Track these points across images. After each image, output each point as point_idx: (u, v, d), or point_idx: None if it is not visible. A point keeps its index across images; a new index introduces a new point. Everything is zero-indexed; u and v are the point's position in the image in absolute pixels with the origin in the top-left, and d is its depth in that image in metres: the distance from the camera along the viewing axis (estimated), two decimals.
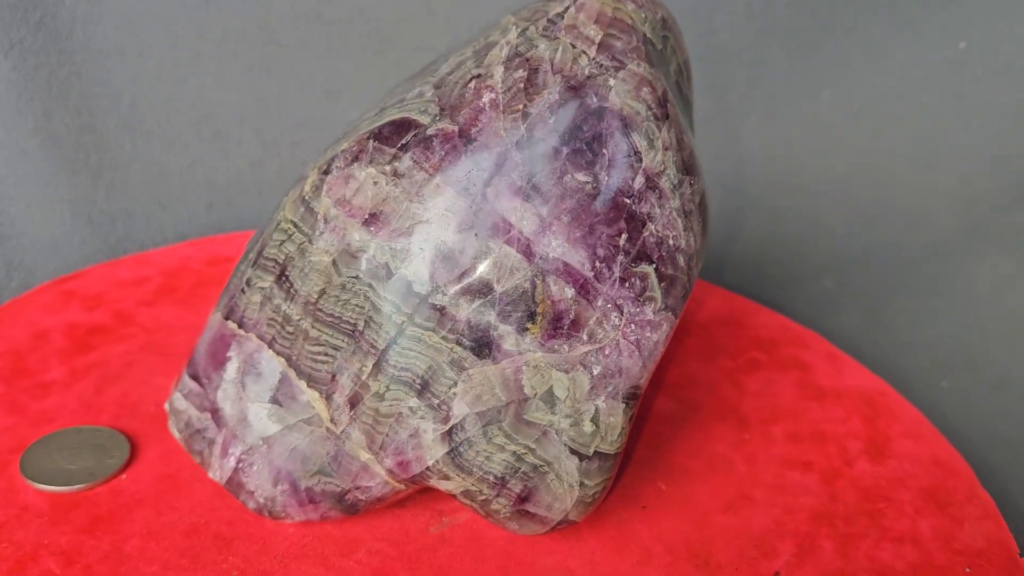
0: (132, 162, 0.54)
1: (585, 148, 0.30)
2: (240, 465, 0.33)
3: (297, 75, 0.56)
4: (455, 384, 0.30)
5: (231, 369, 0.34)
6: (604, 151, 0.30)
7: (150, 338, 0.44)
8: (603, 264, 0.30)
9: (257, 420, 0.33)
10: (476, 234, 0.30)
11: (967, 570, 0.35)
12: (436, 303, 0.30)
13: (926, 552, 0.36)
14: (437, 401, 0.30)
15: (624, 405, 0.31)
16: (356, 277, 0.31)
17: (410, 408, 0.31)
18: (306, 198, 0.33)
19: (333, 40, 0.55)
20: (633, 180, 0.30)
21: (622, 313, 0.30)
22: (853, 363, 0.47)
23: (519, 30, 0.31)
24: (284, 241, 0.33)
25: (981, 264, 0.49)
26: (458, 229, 0.30)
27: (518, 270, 0.30)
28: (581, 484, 0.31)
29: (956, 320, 0.50)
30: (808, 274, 0.55)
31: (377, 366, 0.31)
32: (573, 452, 0.30)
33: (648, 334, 0.31)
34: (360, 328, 0.31)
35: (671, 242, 0.31)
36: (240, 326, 0.34)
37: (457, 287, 0.30)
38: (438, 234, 0.30)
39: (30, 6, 0.48)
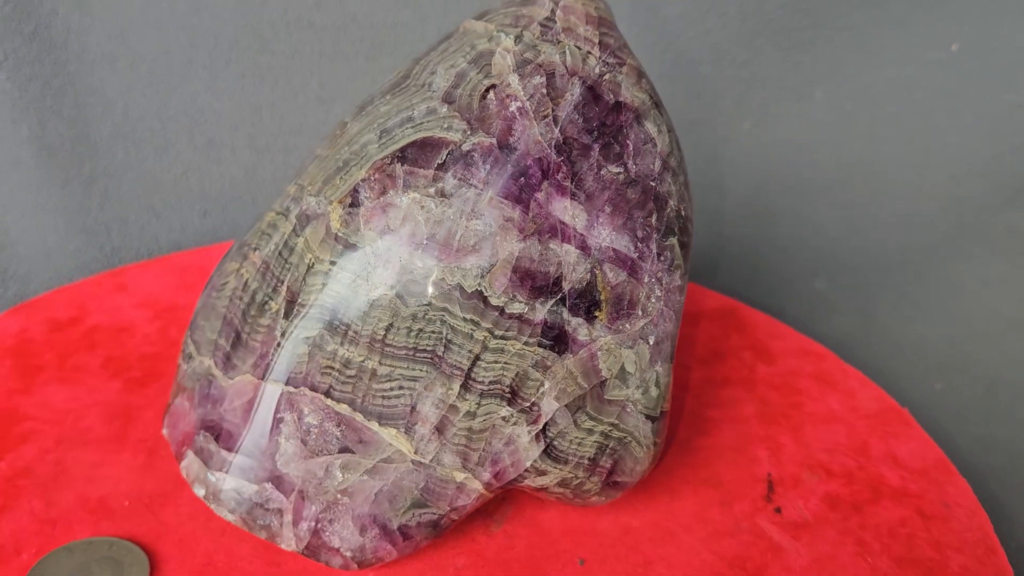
0: (126, 171, 0.52)
1: (612, 142, 0.32)
2: (319, 526, 0.31)
3: (290, 82, 0.54)
4: (542, 384, 0.31)
5: (285, 430, 0.31)
6: (627, 142, 0.33)
7: (57, 430, 0.38)
8: (643, 244, 0.33)
9: (329, 475, 0.31)
10: (539, 238, 0.31)
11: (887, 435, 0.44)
12: (514, 312, 0.31)
13: (842, 418, 0.44)
14: (527, 404, 0.31)
15: (670, 364, 0.34)
16: (428, 304, 0.30)
17: (503, 418, 0.31)
18: (340, 235, 0.31)
19: (325, 47, 0.54)
20: (654, 164, 0.33)
21: (662, 284, 0.33)
22: (703, 290, 0.55)
23: (512, 36, 0.32)
24: (326, 284, 0.31)
25: (972, 264, 0.50)
26: (521, 237, 0.31)
27: (580, 264, 0.32)
28: (655, 443, 0.34)
29: (948, 321, 0.51)
30: (800, 275, 0.56)
31: (464, 386, 0.31)
32: (648, 417, 0.33)
33: (678, 297, 0.34)
34: (440, 353, 0.31)
35: (683, 213, 0.34)
36: (286, 383, 0.31)
37: (531, 292, 0.31)
38: (504, 246, 0.31)
39: (24, 17, 0.45)
